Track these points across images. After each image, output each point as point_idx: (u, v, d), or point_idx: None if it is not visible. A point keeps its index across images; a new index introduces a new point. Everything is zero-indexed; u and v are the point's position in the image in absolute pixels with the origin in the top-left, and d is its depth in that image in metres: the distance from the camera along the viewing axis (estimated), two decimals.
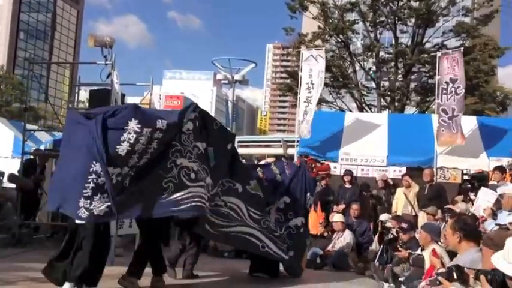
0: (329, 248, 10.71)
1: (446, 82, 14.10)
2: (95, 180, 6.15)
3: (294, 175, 8.92)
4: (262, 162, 11.92)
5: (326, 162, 13.13)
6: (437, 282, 4.64)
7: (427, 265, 6.67)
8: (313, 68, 15.60)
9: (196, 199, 6.81)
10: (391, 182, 13.49)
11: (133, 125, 6.38)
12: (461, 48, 15.61)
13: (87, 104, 14.81)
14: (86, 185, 6.14)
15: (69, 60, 79.16)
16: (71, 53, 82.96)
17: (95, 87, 13.17)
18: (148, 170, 6.66)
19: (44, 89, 55.77)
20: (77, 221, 6.35)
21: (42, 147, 14.62)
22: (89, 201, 6.14)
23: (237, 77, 34.00)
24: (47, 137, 16.10)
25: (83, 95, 21.23)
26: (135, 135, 6.37)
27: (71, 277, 6.40)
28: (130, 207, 6.58)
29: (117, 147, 6.30)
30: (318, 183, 12.67)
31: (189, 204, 6.73)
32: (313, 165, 12.31)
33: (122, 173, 6.41)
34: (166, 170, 6.74)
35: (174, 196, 6.70)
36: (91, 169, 6.15)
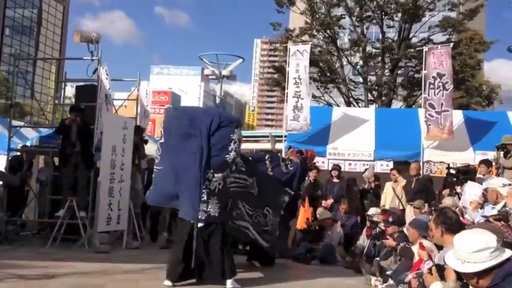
0: (318, 244, 10.75)
1: (433, 77, 14.16)
2: (208, 186, 7.15)
3: (294, 172, 9.33)
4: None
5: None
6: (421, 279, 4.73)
7: (416, 259, 6.72)
8: (299, 62, 15.61)
9: None
10: (377, 176, 13.56)
11: (236, 136, 7.47)
12: (451, 44, 15.69)
13: (73, 100, 14.74)
14: (202, 191, 7.11)
15: (56, 56, 78.55)
16: (57, 49, 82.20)
17: (81, 83, 13.11)
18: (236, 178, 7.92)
19: (30, 85, 55.24)
20: (199, 224, 7.16)
21: (28, 144, 14.53)
22: (205, 204, 7.13)
23: (224, 72, 33.82)
24: (33, 134, 15.99)
25: (69, 90, 21.12)
26: (236, 146, 7.46)
27: (228, 274, 7.17)
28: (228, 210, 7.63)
29: (227, 156, 7.36)
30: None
31: None
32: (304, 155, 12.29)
33: (225, 176, 7.42)
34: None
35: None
36: (205, 176, 7.15)
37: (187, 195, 7.19)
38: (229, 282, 7.15)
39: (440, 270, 4.02)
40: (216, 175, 7.27)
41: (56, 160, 12.27)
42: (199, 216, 7.13)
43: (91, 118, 11.23)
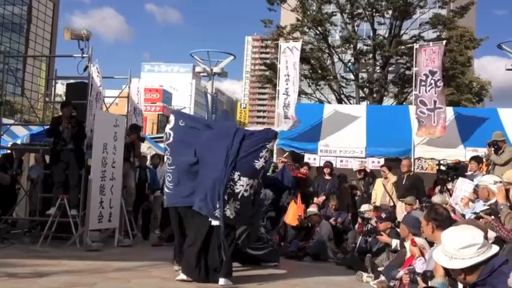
0: (310, 241, 10.80)
1: (425, 74, 14.16)
2: (232, 187, 7.24)
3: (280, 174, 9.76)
4: None
5: (303, 168, 13.10)
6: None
7: (407, 255, 6.76)
8: (289, 60, 15.56)
9: None
10: (368, 170, 13.60)
11: (270, 145, 7.65)
12: (444, 42, 15.73)
13: (64, 98, 14.68)
14: (224, 190, 7.17)
15: (46, 54, 78.12)
16: (47, 46, 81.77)
17: (72, 81, 13.06)
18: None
19: (20, 83, 55.00)
20: (213, 222, 7.20)
21: (18, 142, 14.46)
22: (224, 204, 7.18)
23: (215, 69, 33.80)
24: (24, 131, 15.91)
25: (60, 88, 21.05)
26: (267, 154, 7.64)
27: (225, 273, 7.22)
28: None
29: (256, 161, 7.39)
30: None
31: None
32: (294, 169, 12.50)
33: (254, 185, 7.47)
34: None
35: None
36: (230, 176, 7.22)
37: (206, 191, 7.23)
38: (222, 280, 7.17)
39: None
40: (242, 178, 7.30)
41: (47, 158, 12.21)
42: (215, 214, 7.17)
43: (82, 116, 11.18)
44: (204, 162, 7.49)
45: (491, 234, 5.76)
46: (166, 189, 7.79)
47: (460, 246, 3.28)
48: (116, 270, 7.90)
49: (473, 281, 3.23)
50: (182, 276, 7.29)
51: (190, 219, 7.58)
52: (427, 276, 4.37)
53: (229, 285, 7.18)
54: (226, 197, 7.19)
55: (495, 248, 3.33)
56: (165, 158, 7.93)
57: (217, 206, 7.14)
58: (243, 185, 7.28)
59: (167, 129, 7.98)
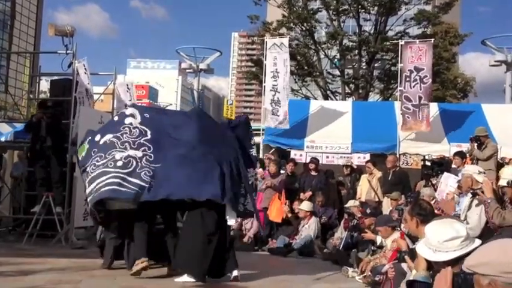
0: (296, 237, 10.84)
1: (410, 70, 14.27)
2: (249, 182, 7.54)
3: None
4: None
5: (289, 165, 12.96)
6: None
7: (388, 252, 6.82)
8: (277, 56, 15.57)
9: None
10: (355, 167, 13.65)
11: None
12: (432, 40, 15.81)
13: (48, 95, 14.59)
14: (242, 184, 7.33)
15: (30, 50, 77.39)
16: (31, 43, 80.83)
17: (56, 77, 12.98)
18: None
19: (4, 80, 54.36)
20: (229, 220, 7.15)
21: (2, 139, 14.34)
22: (243, 198, 7.44)
23: (202, 65, 33.77)
24: (8, 128, 15.77)
25: (44, 85, 20.87)
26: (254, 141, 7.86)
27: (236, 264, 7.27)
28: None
29: (251, 150, 7.75)
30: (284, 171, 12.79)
31: None
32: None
33: (254, 174, 7.81)
34: None
35: None
36: (246, 173, 7.44)
37: (227, 186, 7.03)
38: (236, 272, 7.17)
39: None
40: (249, 169, 7.57)
41: None
42: (239, 208, 7.32)
43: (66, 113, 11.11)
44: (204, 155, 7.28)
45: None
46: (141, 182, 7.04)
47: (444, 239, 3.31)
48: (101, 268, 7.86)
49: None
50: (186, 278, 6.94)
51: (194, 213, 7.32)
52: (414, 251, 4.38)
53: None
54: (243, 191, 7.43)
55: (478, 242, 3.36)
56: (140, 153, 7.19)
57: (241, 200, 7.36)
58: (252, 176, 7.67)
59: (136, 124, 7.44)
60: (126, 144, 7.20)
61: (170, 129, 7.57)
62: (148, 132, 7.40)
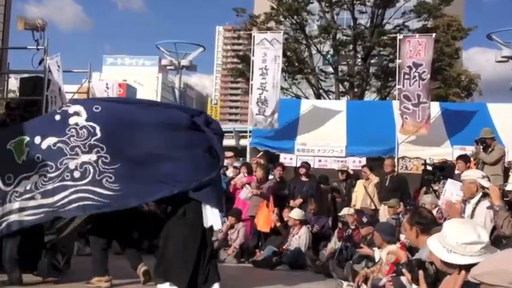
0: (285, 246, 10.82)
1: (408, 66, 14.28)
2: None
3: None
4: None
5: (277, 169, 13.04)
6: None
7: (385, 266, 6.82)
8: (267, 52, 15.48)
9: None
10: (351, 172, 13.65)
11: None
12: (433, 35, 15.87)
13: (17, 94, 14.49)
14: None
15: None
16: None
17: (26, 75, 12.92)
18: None
19: None
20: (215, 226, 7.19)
21: None
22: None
23: (184, 62, 33.73)
24: None
25: (13, 83, 20.72)
26: None
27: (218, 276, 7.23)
28: None
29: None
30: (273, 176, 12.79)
31: None
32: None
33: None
34: None
35: None
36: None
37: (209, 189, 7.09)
38: (217, 285, 7.10)
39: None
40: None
41: None
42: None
43: (36, 113, 11.04)
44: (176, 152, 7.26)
45: None
46: (106, 191, 6.98)
47: (464, 241, 3.30)
48: (73, 281, 7.79)
49: (465, 279, 3.25)
50: (168, 286, 7.02)
51: (174, 218, 7.31)
52: (413, 264, 4.39)
53: None
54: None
55: (493, 250, 3.35)
56: (95, 156, 7.00)
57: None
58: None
59: (82, 123, 7.12)
60: (77, 149, 7.02)
61: (123, 122, 7.31)
62: (97, 129, 7.11)
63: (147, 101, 8.38)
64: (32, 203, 6.90)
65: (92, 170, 6.95)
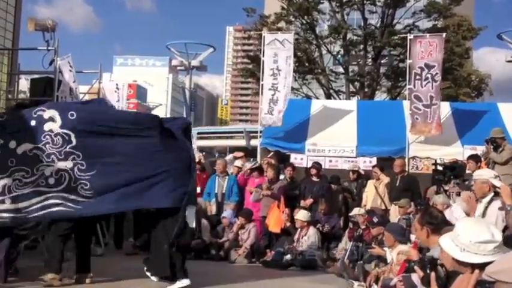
0: (292, 246, 10.78)
1: (420, 67, 14.21)
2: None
3: None
4: (229, 157, 11.97)
5: (287, 170, 13.12)
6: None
7: (395, 266, 6.81)
8: (278, 52, 15.42)
9: None
10: (362, 172, 13.64)
11: None
12: (443, 34, 15.81)
13: (28, 94, 14.59)
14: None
15: (8, 46, 77.30)
16: (9, 38, 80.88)
17: (37, 76, 12.99)
18: None
19: None
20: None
21: None
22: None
23: (194, 62, 33.78)
24: None
25: (24, 84, 20.85)
26: None
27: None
28: None
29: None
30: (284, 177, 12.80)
31: None
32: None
33: None
34: None
35: None
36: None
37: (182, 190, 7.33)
38: (184, 281, 7.35)
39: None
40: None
41: None
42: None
43: None
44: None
45: None
46: (80, 198, 7.12)
47: (477, 240, 3.31)
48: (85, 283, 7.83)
49: (479, 278, 3.26)
50: (178, 284, 7.34)
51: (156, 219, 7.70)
52: (425, 262, 4.39)
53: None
54: None
55: (506, 250, 3.35)
56: (71, 163, 7.10)
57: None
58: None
59: (57, 130, 7.17)
60: (53, 156, 7.10)
61: (98, 131, 7.38)
62: (72, 137, 7.19)
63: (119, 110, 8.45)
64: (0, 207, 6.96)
65: (67, 177, 7.07)
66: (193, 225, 8.02)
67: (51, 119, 7.20)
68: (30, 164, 7.03)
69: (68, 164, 7.09)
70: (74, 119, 7.25)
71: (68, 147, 7.15)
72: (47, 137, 7.11)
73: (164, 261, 7.35)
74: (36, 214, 7.00)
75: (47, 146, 7.10)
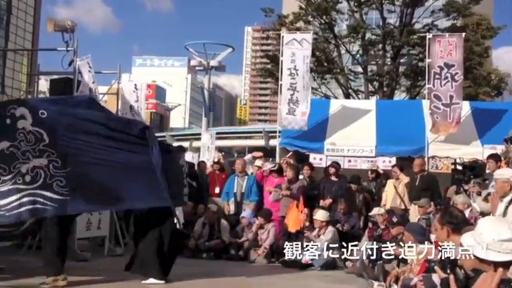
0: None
1: (439, 66, 14.13)
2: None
3: None
4: (248, 157, 11.91)
5: (306, 169, 13.10)
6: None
7: (415, 266, 6.77)
8: (296, 52, 15.39)
9: None
10: (381, 172, 13.57)
11: None
12: (463, 34, 15.70)
13: (48, 95, 14.70)
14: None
15: (27, 47, 78.03)
16: (29, 39, 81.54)
17: (56, 76, 13.08)
18: None
19: (0, 79, 54.98)
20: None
21: None
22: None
23: (213, 62, 33.98)
24: None
25: (43, 84, 21.07)
26: None
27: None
28: None
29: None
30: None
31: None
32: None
33: None
34: None
35: None
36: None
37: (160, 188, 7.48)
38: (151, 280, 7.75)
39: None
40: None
41: None
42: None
43: None
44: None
45: None
46: (56, 196, 7.16)
47: (501, 238, 3.31)
48: (105, 282, 7.90)
49: (503, 276, 3.26)
50: (152, 280, 7.69)
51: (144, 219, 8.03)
52: (446, 262, 4.36)
53: None
54: None
55: None
56: (46, 160, 7.16)
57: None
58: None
59: (29, 128, 7.20)
60: (28, 154, 7.16)
61: (71, 129, 7.45)
62: (45, 135, 7.24)
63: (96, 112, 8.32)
64: None
65: (43, 174, 7.13)
66: (180, 226, 8.44)
67: (23, 117, 7.26)
68: (7, 161, 7.11)
69: (42, 161, 7.18)
70: (45, 117, 7.31)
71: (41, 145, 7.23)
72: (21, 134, 7.19)
73: (153, 261, 7.74)
74: (15, 211, 7.06)
75: (22, 143, 7.17)
